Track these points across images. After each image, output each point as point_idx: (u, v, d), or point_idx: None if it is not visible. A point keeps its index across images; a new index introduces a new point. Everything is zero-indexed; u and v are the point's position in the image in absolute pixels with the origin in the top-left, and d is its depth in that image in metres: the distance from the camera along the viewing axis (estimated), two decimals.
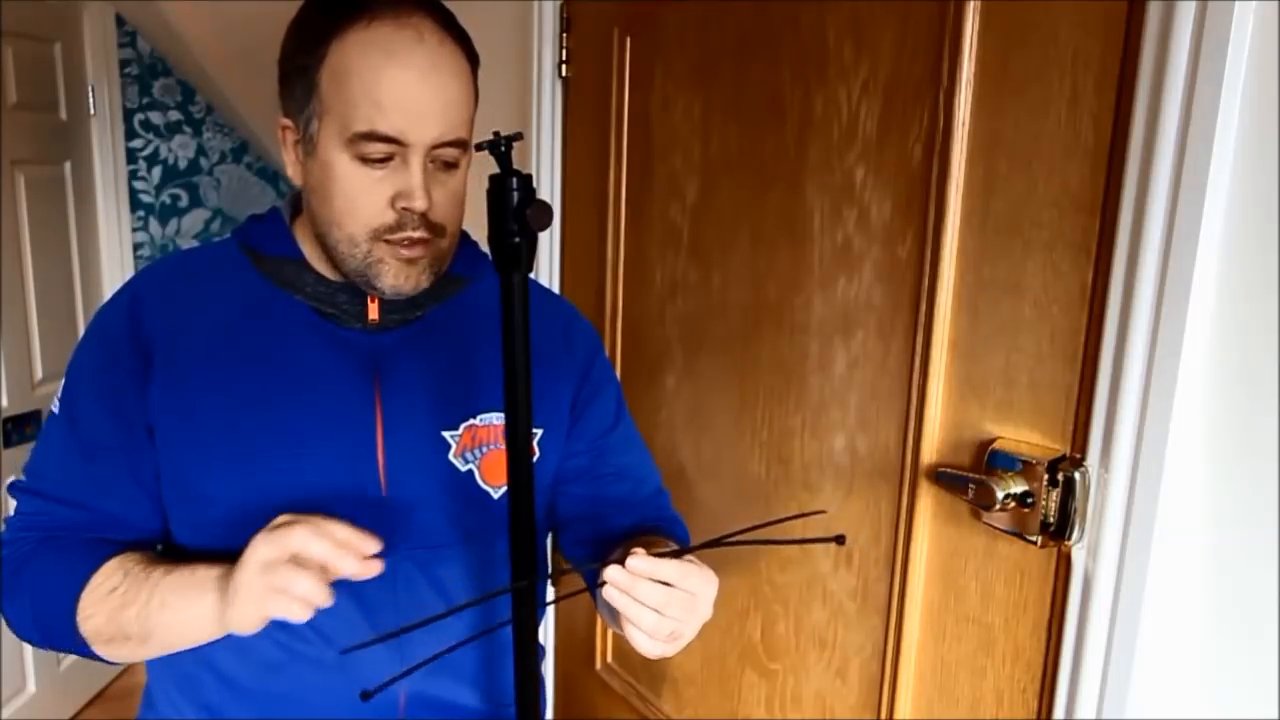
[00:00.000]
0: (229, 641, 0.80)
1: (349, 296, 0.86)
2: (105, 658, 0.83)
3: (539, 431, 0.93)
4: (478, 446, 0.89)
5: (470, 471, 0.89)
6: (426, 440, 0.87)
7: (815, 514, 0.80)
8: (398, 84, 0.76)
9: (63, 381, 0.87)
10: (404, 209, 0.79)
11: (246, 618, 0.72)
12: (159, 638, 0.79)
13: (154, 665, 0.92)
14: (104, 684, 2.57)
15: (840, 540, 0.68)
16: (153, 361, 0.83)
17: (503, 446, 0.86)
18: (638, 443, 1.04)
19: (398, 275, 0.82)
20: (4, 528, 0.88)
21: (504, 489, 0.86)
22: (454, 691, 0.91)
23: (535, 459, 0.91)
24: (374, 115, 0.76)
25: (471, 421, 0.89)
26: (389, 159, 0.78)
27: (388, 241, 0.81)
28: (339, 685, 0.85)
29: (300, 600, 0.69)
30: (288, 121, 0.83)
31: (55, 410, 0.87)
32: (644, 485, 1.02)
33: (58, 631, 0.82)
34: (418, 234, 0.80)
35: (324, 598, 0.70)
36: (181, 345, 0.84)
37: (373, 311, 0.87)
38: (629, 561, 0.67)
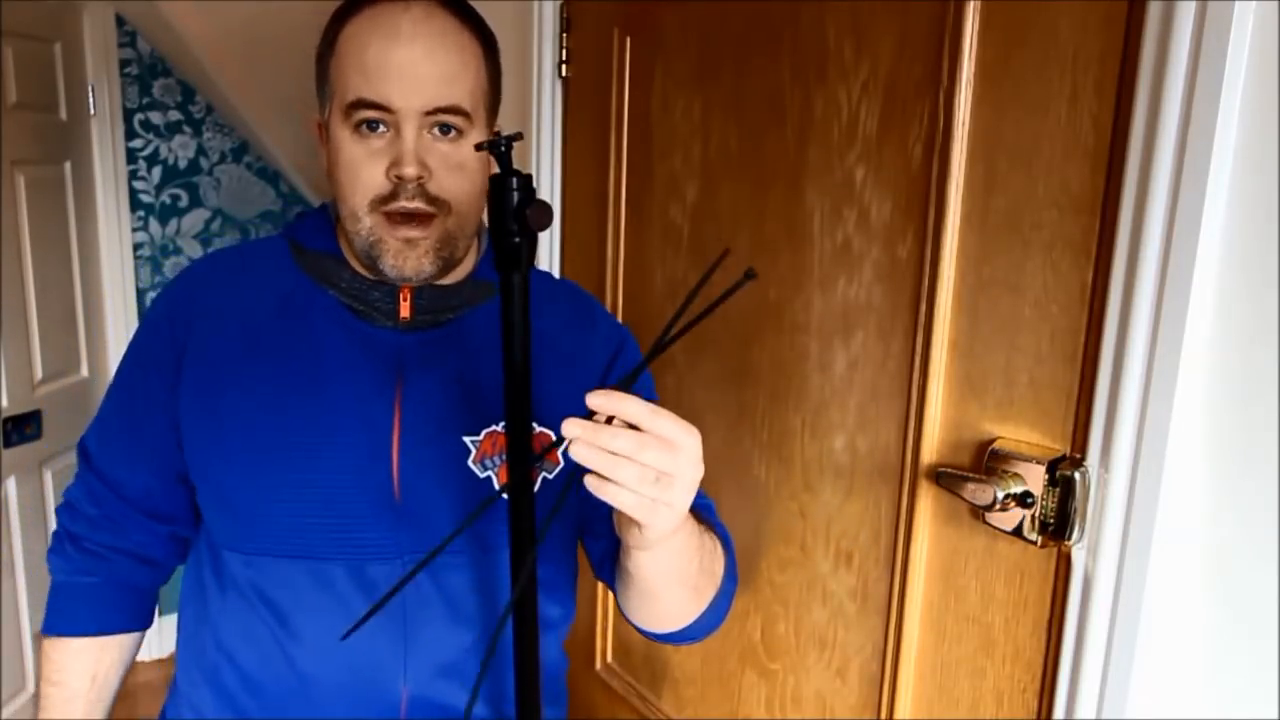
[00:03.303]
0: (242, 633, 0.84)
1: (382, 294, 0.87)
2: None
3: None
4: (498, 453, 0.87)
5: (489, 478, 0.87)
6: (445, 445, 0.86)
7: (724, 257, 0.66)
8: (381, 51, 0.79)
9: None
10: (397, 176, 0.80)
11: None
12: None
13: (182, 651, 0.94)
14: None
15: (751, 275, 0.61)
16: (186, 351, 0.87)
17: None
18: None
19: (397, 255, 0.82)
20: (63, 499, 0.96)
21: None
22: (458, 696, 0.90)
23: (559, 468, 0.89)
24: (361, 83, 0.79)
25: (493, 428, 0.87)
26: (384, 129, 0.80)
27: (385, 216, 0.81)
28: (346, 683, 0.85)
29: None
30: (317, 116, 0.87)
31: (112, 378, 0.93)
32: None
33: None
34: (413, 204, 0.80)
35: None
36: (215, 335, 0.87)
37: (404, 310, 0.87)
38: (588, 398, 0.61)
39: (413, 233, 0.81)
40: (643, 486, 0.62)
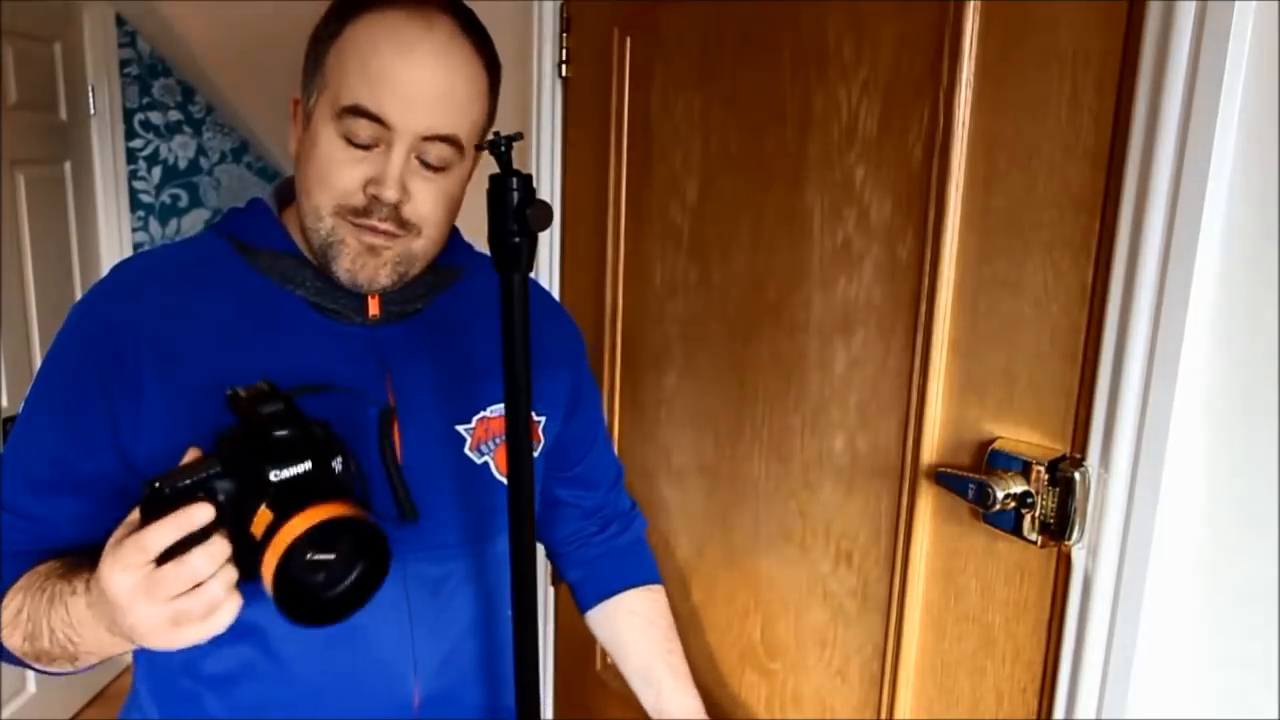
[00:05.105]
0: (222, 659, 0.79)
1: (348, 293, 0.83)
2: (51, 671, 0.78)
3: (543, 419, 0.94)
4: (491, 438, 0.88)
5: (486, 464, 0.88)
6: (441, 435, 0.86)
7: None
8: (393, 65, 0.74)
9: (34, 380, 0.81)
10: (373, 196, 0.77)
11: (154, 637, 0.64)
12: (87, 659, 0.75)
13: (143, 683, 0.86)
14: (104, 684, 2.57)
15: None
16: (143, 363, 0.77)
17: None
18: (601, 443, 1.08)
19: (355, 260, 0.79)
20: None
21: None
22: (460, 687, 0.90)
23: (541, 445, 0.94)
24: (363, 91, 0.75)
25: (483, 414, 0.88)
26: (373, 145, 0.76)
27: (352, 222, 0.78)
28: (351, 689, 0.84)
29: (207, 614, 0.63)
30: (299, 96, 0.83)
31: (20, 412, 0.80)
32: (590, 495, 1.07)
33: None
34: (384, 226, 0.78)
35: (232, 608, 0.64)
36: (180, 339, 0.79)
37: (373, 307, 0.85)
38: None
39: (378, 240, 0.78)
40: None
